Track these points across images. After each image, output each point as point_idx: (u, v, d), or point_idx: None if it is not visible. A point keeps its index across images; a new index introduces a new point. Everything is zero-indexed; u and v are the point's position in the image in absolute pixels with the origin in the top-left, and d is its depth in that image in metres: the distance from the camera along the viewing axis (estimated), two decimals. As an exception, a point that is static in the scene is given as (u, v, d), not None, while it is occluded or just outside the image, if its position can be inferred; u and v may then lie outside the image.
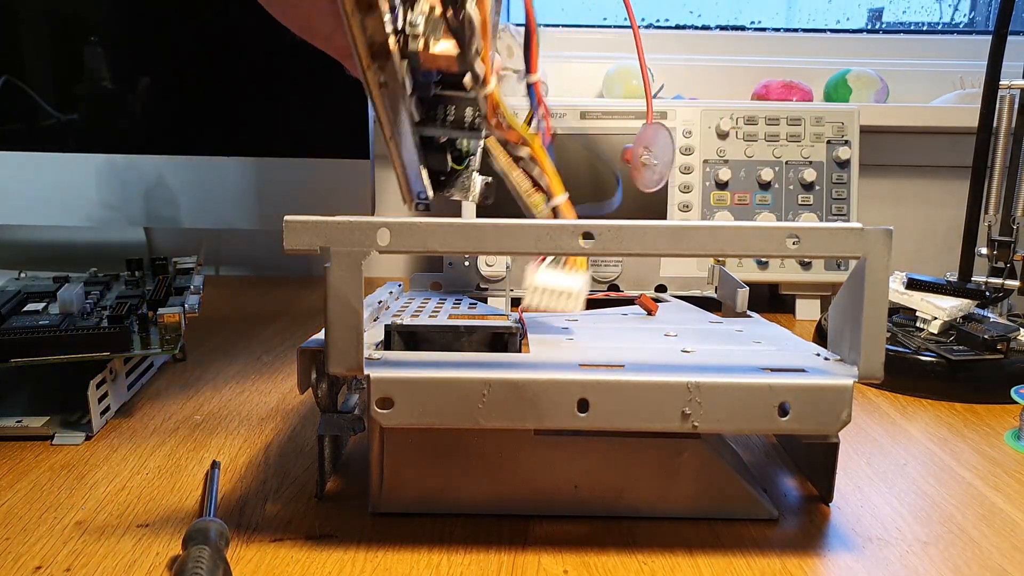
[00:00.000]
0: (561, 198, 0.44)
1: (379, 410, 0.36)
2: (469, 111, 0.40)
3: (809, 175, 0.84)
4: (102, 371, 0.52)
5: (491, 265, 0.81)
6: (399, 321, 0.44)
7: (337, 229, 0.35)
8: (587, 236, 0.36)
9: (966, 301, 0.65)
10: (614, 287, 0.82)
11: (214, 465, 0.44)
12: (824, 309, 0.85)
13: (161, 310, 0.52)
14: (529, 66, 0.45)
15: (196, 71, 0.93)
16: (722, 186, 0.85)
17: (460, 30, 0.36)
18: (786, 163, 0.85)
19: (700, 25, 1.19)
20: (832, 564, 0.37)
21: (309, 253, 0.35)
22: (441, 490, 0.40)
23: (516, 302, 0.74)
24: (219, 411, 0.56)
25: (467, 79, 0.38)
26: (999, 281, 0.71)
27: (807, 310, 0.86)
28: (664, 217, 0.85)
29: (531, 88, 0.46)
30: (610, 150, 0.85)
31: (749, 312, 0.59)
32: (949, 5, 1.20)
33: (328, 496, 0.43)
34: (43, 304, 0.58)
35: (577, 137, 0.85)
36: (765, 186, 0.85)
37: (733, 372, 0.37)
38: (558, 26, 1.17)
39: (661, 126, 0.66)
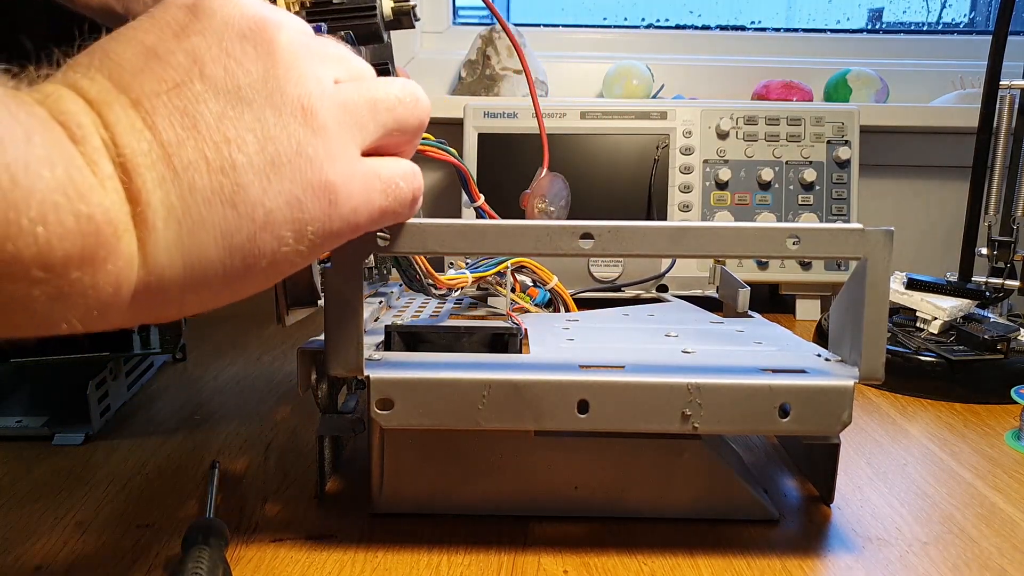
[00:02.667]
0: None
1: (379, 411, 0.36)
2: None
3: (809, 175, 0.84)
4: (102, 371, 0.52)
5: (491, 265, 0.81)
6: (399, 322, 0.44)
7: (337, 230, 0.35)
8: (586, 236, 0.36)
9: (966, 301, 0.65)
10: (615, 287, 0.82)
11: (214, 465, 0.44)
12: (824, 309, 0.85)
13: (161, 310, 0.52)
14: (472, 196, 0.49)
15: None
16: (722, 186, 0.85)
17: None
18: (786, 163, 0.85)
19: (700, 25, 1.19)
20: (832, 564, 0.37)
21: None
22: (441, 491, 0.40)
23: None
24: (219, 411, 0.56)
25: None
26: (999, 281, 0.71)
27: (807, 310, 0.86)
28: (664, 217, 0.85)
29: (479, 210, 0.50)
30: (609, 149, 0.85)
31: (750, 312, 0.59)
32: (943, 4, 1.20)
33: (328, 496, 0.43)
34: (43, 304, 0.58)
35: (577, 137, 0.85)
36: (765, 186, 0.85)
37: (733, 373, 0.37)
38: (558, 26, 1.17)
39: (556, 175, 0.67)
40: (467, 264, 0.52)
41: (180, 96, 0.23)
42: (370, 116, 0.28)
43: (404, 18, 0.41)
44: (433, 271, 0.42)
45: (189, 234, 0.23)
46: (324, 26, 0.33)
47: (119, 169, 0.22)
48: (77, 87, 0.23)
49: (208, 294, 0.25)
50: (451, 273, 0.45)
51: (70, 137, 0.22)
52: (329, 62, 0.27)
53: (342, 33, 0.38)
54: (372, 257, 0.50)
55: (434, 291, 0.42)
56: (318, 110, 0.26)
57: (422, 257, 0.41)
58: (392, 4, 0.41)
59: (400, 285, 0.68)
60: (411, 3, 0.41)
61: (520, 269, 0.56)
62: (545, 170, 0.70)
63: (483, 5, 1.31)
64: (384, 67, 0.42)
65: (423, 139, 0.41)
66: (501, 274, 0.53)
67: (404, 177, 0.29)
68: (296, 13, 0.38)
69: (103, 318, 0.23)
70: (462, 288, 0.45)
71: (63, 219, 0.20)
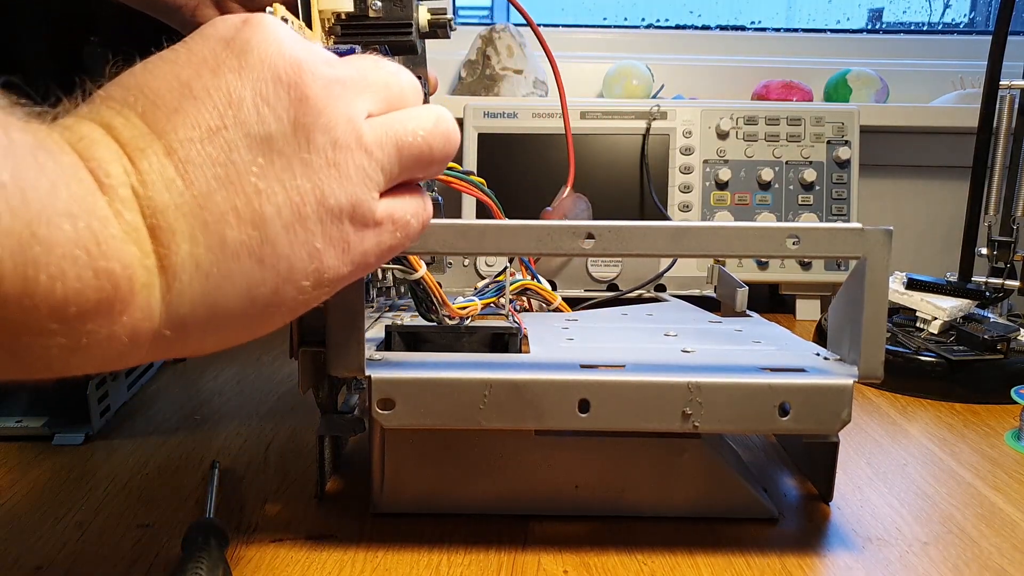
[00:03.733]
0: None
1: (380, 411, 0.36)
2: None
3: (809, 175, 0.84)
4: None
5: (491, 265, 0.81)
6: (400, 322, 0.44)
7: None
8: (588, 236, 0.36)
9: (966, 301, 0.65)
10: (613, 287, 0.82)
11: (213, 465, 0.44)
12: (824, 309, 0.85)
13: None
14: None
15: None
16: (722, 186, 0.85)
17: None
18: (786, 163, 0.85)
19: (700, 25, 1.19)
20: (832, 564, 0.37)
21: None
22: (442, 490, 0.40)
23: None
24: (219, 411, 0.56)
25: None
26: (999, 281, 0.71)
27: (807, 310, 0.86)
28: (663, 218, 0.85)
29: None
30: (610, 149, 0.86)
31: (748, 312, 0.59)
32: (945, 4, 1.20)
33: (328, 496, 0.43)
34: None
35: (577, 137, 0.85)
36: (765, 186, 0.85)
37: (733, 372, 0.37)
38: (558, 26, 1.17)
39: (579, 196, 0.66)
40: (475, 289, 0.53)
41: (214, 143, 0.23)
42: (396, 160, 0.27)
43: (440, 30, 0.41)
44: (448, 301, 0.43)
45: (215, 288, 0.23)
46: (357, 48, 0.33)
47: (148, 220, 0.22)
48: (110, 127, 0.23)
49: (226, 338, 0.25)
50: (460, 301, 0.45)
51: (98, 185, 0.21)
52: (366, 94, 0.27)
53: (377, 47, 0.38)
54: (391, 278, 0.51)
55: (448, 321, 0.43)
56: (343, 162, 0.25)
57: (439, 289, 0.42)
58: (429, 16, 0.41)
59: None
60: (448, 16, 0.41)
61: (524, 292, 0.56)
62: (568, 189, 0.69)
63: (483, 5, 1.31)
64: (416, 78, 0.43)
65: (451, 171, 0.41)
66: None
67: (416, 214, 0.29)
68: (331, 27, 0.38)
69: (119, 361, 0.23)
70: (472, 316, 0.45)
71: (82, 274, 0.20)
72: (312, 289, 0.26)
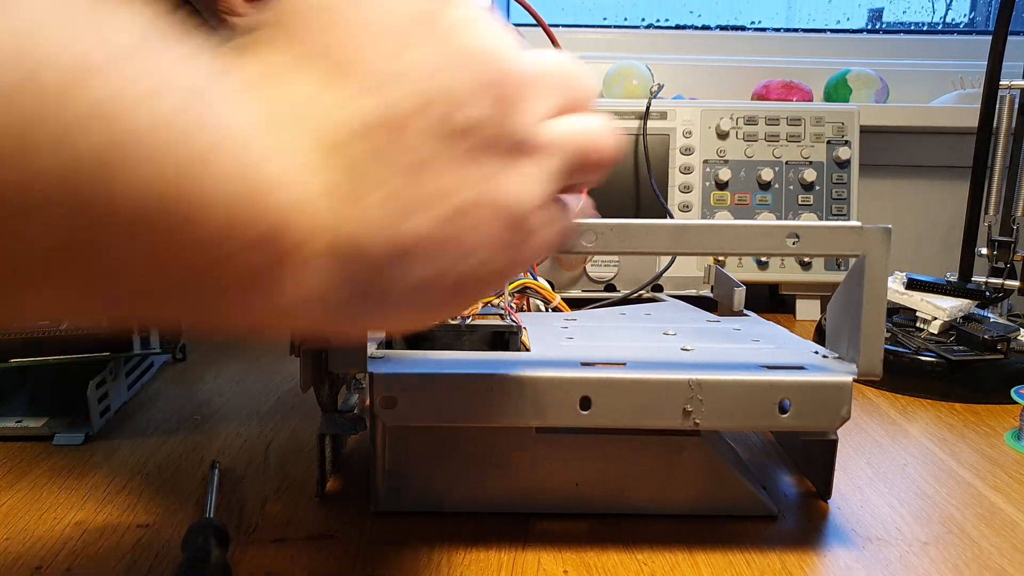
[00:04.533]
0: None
1: (383, 408, 0.36)
2: None
3: (809, 175, 0.84)
4: (102, 371, 0.52)
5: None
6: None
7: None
8: (589, 234, 0.36)
9: (966, 301, 0.65)
10: (611, 287, 0.82)
11: (214, 465, 0.44)
12: (824, 309, 0.85)
13: (161, 310, 0.52)
14: None
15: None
16: (722, 186, 0.85)
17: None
18: (786, 163, 0.85)
19: (700, 25, 1.19)
20: (832, 563, 0.37)
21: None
22: (443, 488, 0.40)
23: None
24: (219, 411, 0.56)
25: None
26: (999, 281, 0.71)
27: (807, 310, 0.86)
28: (663, 217, 0.85)
29: None
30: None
31: (746, 311, 0.59)
32: (948, 5, 1.20)
33: (328, 496, 0.43)
34: (43, 304, 0.58)
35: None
36: (765, 186, 0.85)
37: (733, 369, 0.37)
38: (558, 26, 1.17)
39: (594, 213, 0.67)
40: None
41: (413, 131, 0.22)
42: (565, 168, 0.26)
43: None
44: None
45: (401, 275, 0.22)
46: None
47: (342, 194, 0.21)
48: (308, 96, 0.21)
49: (381, 324, 0.26)
50: None
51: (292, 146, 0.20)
52: (552, 95, 0.26)
53: None
54: None
55: (450, 319, 0.43)
56: (527, 166, 0.24)
57: None
58: None
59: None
60: None
61: (524, 290, 0.56)
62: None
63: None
64: None
65: None
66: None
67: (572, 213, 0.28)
68: None
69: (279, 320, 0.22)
70: (473, 314, 0.45)
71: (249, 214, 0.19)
72: (483, 288, 0.25)
